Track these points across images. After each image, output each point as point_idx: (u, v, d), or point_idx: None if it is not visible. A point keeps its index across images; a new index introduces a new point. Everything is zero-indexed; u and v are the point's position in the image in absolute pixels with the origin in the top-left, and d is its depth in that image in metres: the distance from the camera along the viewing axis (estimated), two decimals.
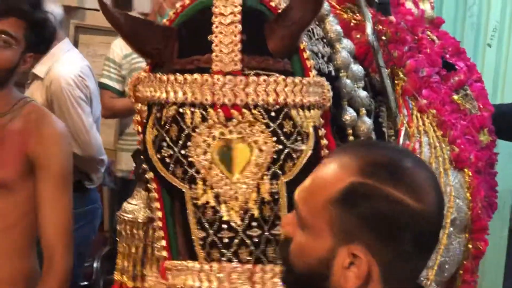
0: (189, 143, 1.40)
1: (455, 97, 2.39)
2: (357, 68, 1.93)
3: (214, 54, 1.41)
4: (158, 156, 1.44)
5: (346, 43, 1.94)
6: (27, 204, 2.20)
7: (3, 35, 2.11)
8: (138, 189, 1.76)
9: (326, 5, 1.91)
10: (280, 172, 1.41)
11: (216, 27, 1.42)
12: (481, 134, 2.44)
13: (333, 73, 1.83)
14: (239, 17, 1.43)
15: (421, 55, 2.25)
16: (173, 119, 1.41)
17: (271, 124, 1.40)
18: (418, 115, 2.10)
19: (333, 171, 1.15)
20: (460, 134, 2.17)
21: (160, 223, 1.52)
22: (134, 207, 1.77)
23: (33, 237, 2.27)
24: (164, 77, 1.43)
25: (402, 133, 2.04)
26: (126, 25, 1.45)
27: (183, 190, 1.43)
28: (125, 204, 1.80)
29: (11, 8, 2.13)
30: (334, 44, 1.89)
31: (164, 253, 1.50)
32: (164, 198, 1.51)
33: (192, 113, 1.40)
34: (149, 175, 1.51)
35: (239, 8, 1.43)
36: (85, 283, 3.56)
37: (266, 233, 1.41)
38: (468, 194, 2.12)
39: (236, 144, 1.39)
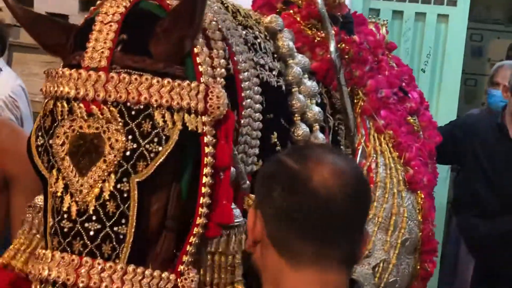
0: (54, 134, 1.46)
1: (410, 119, 2.43)
2: (311, 84, 1.94)
3: (85, 50, 1.47)
4: (36, 144, 1.49)
5: (300, 59, 1.95)
6: None
7: None
8: None
9: (279, 21, 1.93)
10: (132, 171, 1.42)
11: (95, 25, 1.48)
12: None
13: (283, 88, 1.84)
14: (119, 17, 1.47)
15: (381, 76, 2.28)
16: (50, 111, 1.48)
17: (129, 123, 1.42)
18: (376, 135, 2.12)
19: None
20: (415, 156, 2.19)
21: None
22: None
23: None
24: (50, 72, 1.50)
25: (359, 152, 2.05)
26: (27, 19, 1.56)
27: (46, 177, 1.48)
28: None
29: None
30: (286, 60, 1.90)
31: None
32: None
33: (62, 106, 1.46)
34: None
35: (123, 9, 1.48)
36: None
37: (107, 229, 1.41)
38: (419, 216, 2.15)
39: (91, 139, 1.43)
